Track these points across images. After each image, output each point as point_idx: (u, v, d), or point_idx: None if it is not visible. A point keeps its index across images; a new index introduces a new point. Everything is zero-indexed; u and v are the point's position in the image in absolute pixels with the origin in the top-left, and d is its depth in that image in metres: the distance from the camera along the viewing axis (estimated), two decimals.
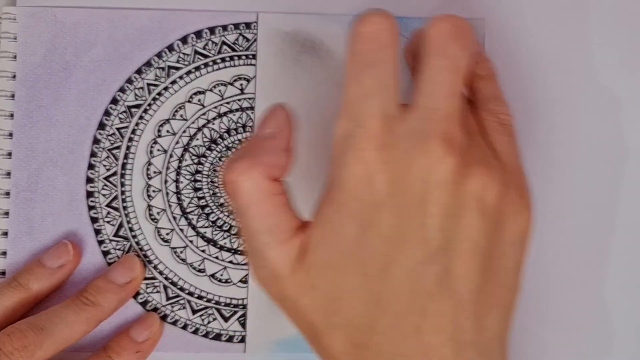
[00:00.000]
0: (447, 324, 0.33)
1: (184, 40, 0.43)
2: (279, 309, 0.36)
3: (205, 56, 0.43)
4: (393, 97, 0.34)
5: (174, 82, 0.43)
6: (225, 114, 0.43)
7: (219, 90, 0.43)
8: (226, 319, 0.43)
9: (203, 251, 0.43)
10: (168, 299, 0.43)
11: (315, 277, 0.34)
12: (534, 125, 0.43)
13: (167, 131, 0.43)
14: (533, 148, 0.43)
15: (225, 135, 0.43)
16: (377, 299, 0.33)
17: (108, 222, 0.43)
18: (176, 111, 0.43)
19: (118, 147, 0.43)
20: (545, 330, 0.43)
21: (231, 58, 0.43)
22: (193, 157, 0.43)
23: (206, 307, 0.43)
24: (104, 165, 0.43)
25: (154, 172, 0.43)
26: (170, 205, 0.43)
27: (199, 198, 0.43)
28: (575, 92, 0.43)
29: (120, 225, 0.43)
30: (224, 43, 0.43)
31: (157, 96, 0.43)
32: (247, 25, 0.43)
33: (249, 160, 0.35)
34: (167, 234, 0.43)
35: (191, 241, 0.43)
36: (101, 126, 0.43)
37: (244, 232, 0.35)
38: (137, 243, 0.43)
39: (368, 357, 0.33)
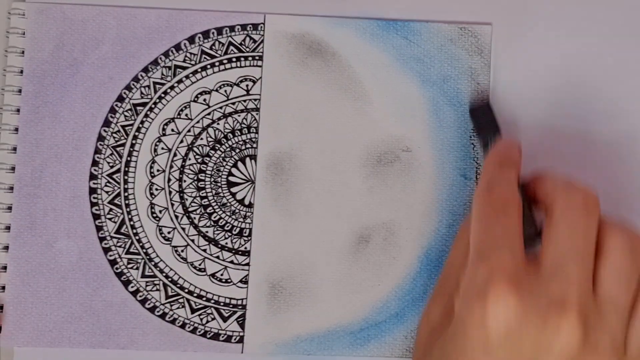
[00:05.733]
0: None
1: (191, 39, 0.43)
2: None
3: (212, 56, 0.43)
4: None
5: (180, 81, 0.43)
6: (230, 114, 0.43)
7: (225, 91, 0.43)
8: (225, 319, 0.42)
9: (204, 250, 0.43)
10: (167, 297, 0.43)
11: None
12: (540, 128, 0.43)
13: (172, 130, 0.43)
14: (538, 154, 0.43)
15: (230, 135, 0.43)
16: None
17: (110, 219, 0.43)
18: (181, 110, 0.43)
19: (122, 145, 0.43)
20: None
21: (238, 59, 0.43)
22: (197, 157, 0.43)
23: (205, 307, 0.43)
24: (108, 162, 0.43)
25: (158, 171, 0.43)
26: (172, 204, 0.43)
27: (202, 197, 0.43)
28: (581, 96, 0.43)
29: (122, 223, 0.43)
30: (230, 43, 0.43)
31: (162, 95, 0.43)
32: (255, 26, 0.43)
33: None
34: (169, 233, 0.43)
35: (192, 240, 0.43)
36: (106, 123, 0.43)
37: None
38: (139, 241, 0.43)
39: None
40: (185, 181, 0.43)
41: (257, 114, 0.43)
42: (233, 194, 0.43)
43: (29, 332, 0.42)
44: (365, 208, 0.43)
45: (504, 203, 0.36)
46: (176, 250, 0.43)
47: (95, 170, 0.43)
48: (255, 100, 0.43)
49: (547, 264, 0.34)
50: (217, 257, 0.43)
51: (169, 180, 0.43)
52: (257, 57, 0.43)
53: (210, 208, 0.43)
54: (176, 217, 0.43)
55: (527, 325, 0.33)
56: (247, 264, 0.43)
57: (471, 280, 0.35)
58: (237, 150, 0.43)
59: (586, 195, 0.36)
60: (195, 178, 0.43)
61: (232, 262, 0.43)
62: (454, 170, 0.43)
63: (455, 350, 0.35)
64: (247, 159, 0.43)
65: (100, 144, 0.43)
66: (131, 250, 0.43)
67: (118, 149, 0.43)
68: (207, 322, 0.42)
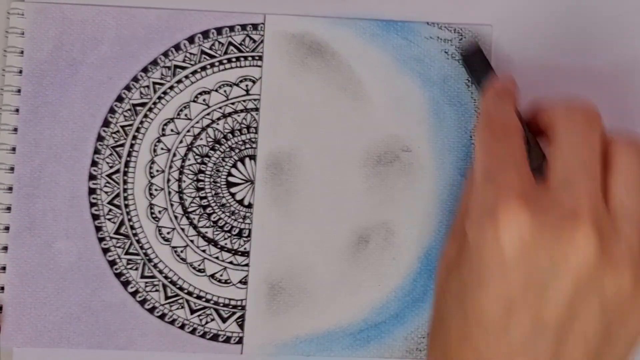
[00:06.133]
0: None
1: (190, 39, 0.43)
2: None
3: (212, 56, 0.43)
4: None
5: (179, 82, 0.43)
6: (229, 114, 0.43)
7: (224, 91, 0.43)
8: (224, 320, 0.42)
9: (203, 251, 0.43)
10: (167, 298, 0.42)
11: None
12: None
13: (172, 130, 0.43)
14: None
15: (230, 135, 0.43)
16: (478, 352, 0.33)
17: (109, 219, 0.43)
18: (181, 110, 0.43)
19: (122, 145, 0.43)
20: None
21: (237, 59, 0.43)
22: (196, 157, 0.43)
23: (205, 307, 0.42)
24: (107, 163, 0.43)
25: (157, 171, 0.43)
26: (172, 205, 0.43)
27: (201, 198, 0.43)
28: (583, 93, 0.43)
29: (122, 223, 0.43)
30: (230, 43, 0.43)
31: (162, 95, 0.43)
32: (254, 26, 0.43)
33: None
34: (168, 233, 0.43)
35: (192, 241, 0.43)
36: (106, 124, 0.43)
37: None
38: (138, 241, 0.43)
39: None
40: (184, 181, 0.43)
41: (256, 114, 0.43)
42: (232, 195, 0.43)
43: (27, 332, 0.42)
44: (365, 208, 0.43)
45: (504, 127, 0.35)
46: (175, 251, 0.43)
47: (94, 170, 0.43)
48: (255, 100, 0.43)
49: (555, 179, 0.33)
50: (217, 258, 0.43)
51: (169, 180, 0.43)
52: (256, 57, 0.43)
53: (210, 208, 0.43)
54: (175, 217, 0.43)
55: (542, 239, 0.32)
56: (247, 265, 0.43)
57: (480, 202, 0.34)
58: (237, 151, 0.43)
59: (586, 109, 0.35)
60: (195, 178, 0.43)
61: (231, 262, 0.43)
62: (454, 170, 0.43)
63: (471, 277, 0.34)
64: (247, 159, 0.43)
65: (100, 144, 0.43)
66: (130, 250, 0.43)
67: (117, 149, 0.43)
68: (207, 322, 0.42)
